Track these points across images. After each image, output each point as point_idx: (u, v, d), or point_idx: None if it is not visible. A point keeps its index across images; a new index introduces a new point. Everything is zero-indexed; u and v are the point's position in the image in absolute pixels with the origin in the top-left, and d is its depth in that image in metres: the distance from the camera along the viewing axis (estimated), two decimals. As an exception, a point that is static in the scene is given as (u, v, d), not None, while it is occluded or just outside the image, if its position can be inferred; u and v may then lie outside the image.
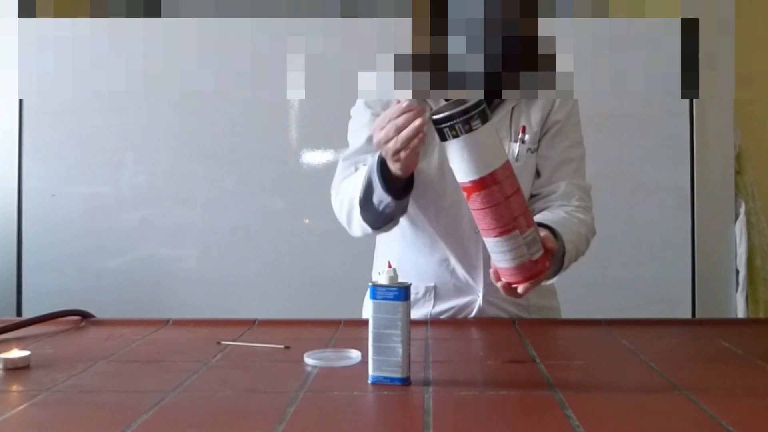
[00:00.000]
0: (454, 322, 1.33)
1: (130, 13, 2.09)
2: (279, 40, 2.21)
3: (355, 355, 1.01)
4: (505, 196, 0.95)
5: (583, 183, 1.40)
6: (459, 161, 0.95)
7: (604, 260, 2.27)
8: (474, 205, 0.97)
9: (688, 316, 2.20)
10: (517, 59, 1.21)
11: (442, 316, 1.36)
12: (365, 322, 1.29)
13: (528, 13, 1.22)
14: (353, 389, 0.87)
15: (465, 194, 0.98)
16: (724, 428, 0.72)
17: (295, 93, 2.18)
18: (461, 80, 1.20)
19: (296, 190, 2.31)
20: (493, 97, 1.30)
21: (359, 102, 1.42)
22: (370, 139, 1.32)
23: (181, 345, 1.14)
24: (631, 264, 2.28)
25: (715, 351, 1.07)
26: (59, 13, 2.07)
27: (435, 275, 1.37)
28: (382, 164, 1.20)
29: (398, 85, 1.27)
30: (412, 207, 1.36)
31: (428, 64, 1.21)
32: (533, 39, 1.23)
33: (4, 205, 2.34)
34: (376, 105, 1.39)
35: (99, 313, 1.34)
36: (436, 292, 1.38)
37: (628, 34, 2.17)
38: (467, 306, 1.36)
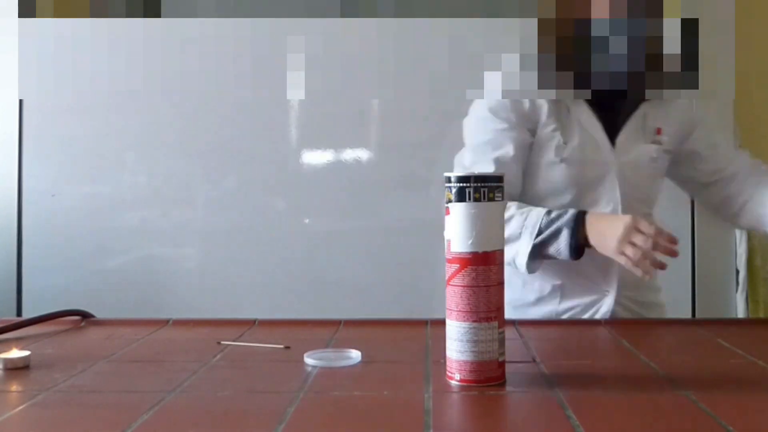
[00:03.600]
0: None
1: (130, 13, 2.09)
2: (279, 40, 2.21)
3: (354, 355, 1.01)
4: (498, 281, 0.88)
5: (744, 154, 1.45)
6: (469, 228, 0.87)
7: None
8: (462, 280, 0.87)
9: (688, 316, 2.20)
10: (657, 60, 1.23)
11: (567, 314, 1.35)
12: (365, 323, 1.30)
13: (657, 12, 1.23)
14: (353, 389, 0.87)
15: (454, 266, 0.87)
16: (724, 428, 0.72)
17: (295, 93, 2.18)
18: (604, 80, 1.21)
19: (296, 190, 2.31)
20: (636, 98, 1.33)
21: (483, 106, 1.36)
22: (500, 160, 1.31)
23: (181, 345, 1.14)
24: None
25: (715, 351, 1.07)
26: (59, 13, 2.07)
27: (563, 273, 1.36)
28: (576, 225, 1.21)
29: (541, 85, 1.27)
30: (549, 203, 1.34)
31: (572, 65, 1.22)
32: (660, 39, 1.24)
33: (4, 205, 2.34)
34: (503, 112, 1.34)
35: (99, 313, 1.34)
36: (562, 290, 1.36)
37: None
38: (594, 304, 1.35)
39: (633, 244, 1.16)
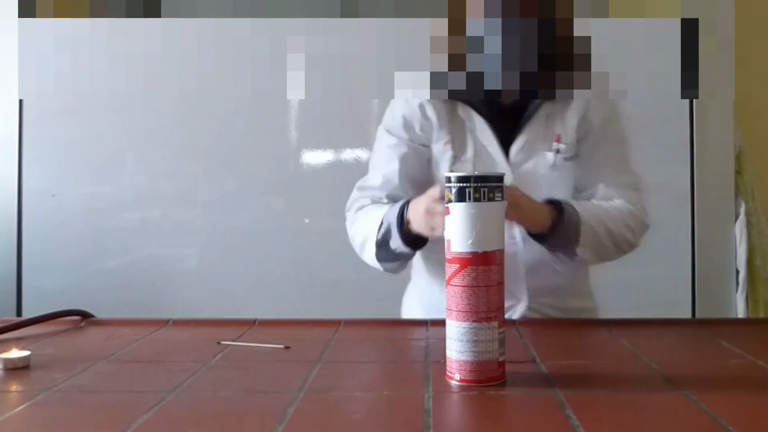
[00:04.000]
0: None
1: (130, 13, 2.09)
2: (279, 40, 2.21)
3: None
4: (498, 281, 0.87)
5: (626, 177, 1.37)
6: (468, 228, 0.86)
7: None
8: (462, 280, 0.86)
9: (688, 316, 2.20)
10: (553, 60, 1.20)
11: None
12: (365, 323, 1.30)
13: (564, 12, 1.21)
14: (353, 389, 0.87)
15: (453, 266, 0.87)
16: (724, 428, 0.72)
17: (295, 93, 2.18)
18: (496, 80, 1.20)
19: (296, 190, 2.31)
20: (528, 98, 1.30)
21: (382, 126, 1.41)
22: (387, 175, 1.35)
23: (181, 345, 1.14)
24: (631, 264, 2.27)
25: (715, 351, 1.07)
26: (59, 13, 2.07)
27: None
28: (402, 215, 1.22)
29: (434, 85, 1.27)
30: None
31: (464, 64, 1.21)
32: (569, 39, 1.22)
33: (4, 205, 2.34)
34: (395, 130, 1.37)
35: (99, 313, 1.34)
36: None
37: (628, 34, 2.17)
38: (508, 309, 1.33)
39: (433, 215, 1.13)
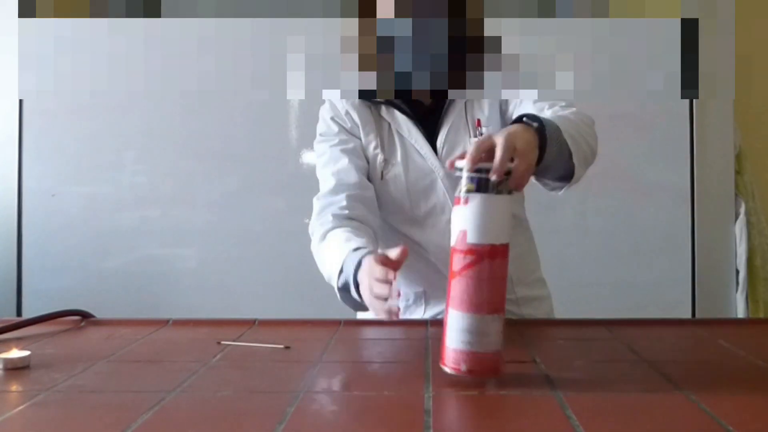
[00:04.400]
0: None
1: (130, 13, 2.09)
2: (279, 40, 2.20)
3: None
4: (503, 275, 0.87)
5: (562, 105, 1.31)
6: (488, 220, 0.85)
7: (604, 260, 2.27)
8: (476, 271, 0.85)
9: (688, 316, 2.20)
10: (463, 58, 1.20)
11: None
12: (365, 323, 1.29)
13: (474, 12, 1.21)
14: (353, 389, 0.87)
15: (468, 257, 0.86)
16: (724, 428, 0.72)
17: (295, 93, 2.18)
18: (407, 80, 1.21)
19: (296, 190, 2.31)
20: (440, 98, 1.32)
21: (317, 138, 1.43)
22: (338, 175, 1.35)
23: (181, 345, 1.14)
24: (631, 264, 2.28)
25: (715, 351, 1.07)
26: (59, 13, 2.07)
27: (424, 280, 1.37)
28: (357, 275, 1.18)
29: (345, 85, 1.28)
30: (395, 217, 1.37)
31: (374, 65, 1.22)
32: (479, 39, 1.22)
33: (4, 205, 2.34)
34: (329, 133, 1.40)
35: (99, 313, 1.34)
36: (426, 297, 1.37)
37: (628, 34, 2.17)
38: None
39: (379, 300, 1.08)
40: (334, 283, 1.27)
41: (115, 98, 2.28)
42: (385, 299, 1.05)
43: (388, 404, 0.82)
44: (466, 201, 0.87)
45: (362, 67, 1.24)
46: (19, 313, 2.30)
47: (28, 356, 0.98)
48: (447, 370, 0.88)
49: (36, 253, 2.33)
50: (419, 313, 1.38)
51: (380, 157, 1.34)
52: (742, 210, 2.25)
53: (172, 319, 1.30)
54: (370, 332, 1.21)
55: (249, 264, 2.30)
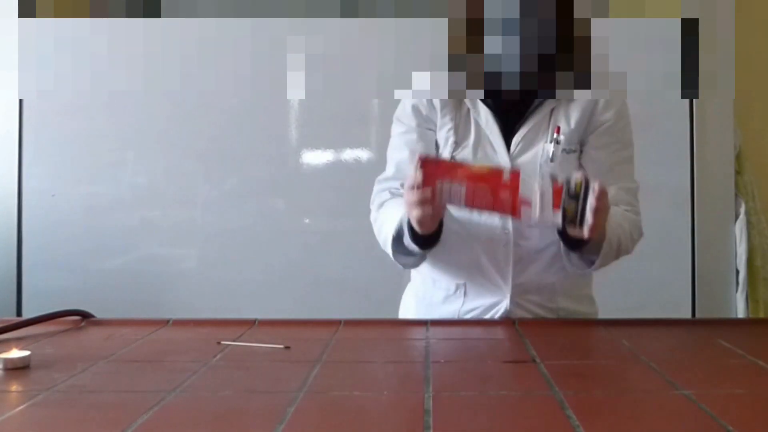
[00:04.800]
0: (455, 322, 1.33)
1: (130, 13, 2.09)
2: (279, 40, 2.21)
3: None
4: None
5: (631, 185, 1.40)
6: None
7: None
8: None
9: (688, 316, 2.20)
10: (553, 59, 1.22)
11: (470, 314, 1.36)
12: (365, 323, 1.30)
13: (564, 13, 1.22)
14: (353, 389, 0.87)
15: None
16: (724, 428, 0.72)
17: (295, 93, 2.18)
18: (497, 80, 1.21)
19: (296, 190, 2.31)
20: (529, 98, 1.32)
21: (394, 117, 1.43)
22: (399, 164, 1.38)
23: (181, 345, 1.14)
24: (631, 264, 2.27)
25: (715, 351, 1.07)
26: (59, 13, 2.07)
27: (465, 273, 1.37)
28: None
29: (434, 85, 1.28)
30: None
31: (464, 64, 1.22)
32: (569, 39, 1.23)
33: (4, 205, 2.34)
34: (404, 118, 1.39)
35: (99, 313, 1.34)
36: (466, 290, 1.37)
37: (628, 34, 2.17)
38: (494, 306, 1.35)
39: (410, 205, 1.18)
40: (390, 238, 1.30)
41: (115, 98, 2.28)
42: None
43: (388, 404, 0.82)
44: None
45: (451, 67, 1.26)
46: (19, 313, 2.30)
47: (28, 356, 0.98)
48: None
49: (36, 253, 2.33)
50: (457, 305, 1.37)
51: (452, 139, 1.34)
52: (742, 210, 2.25)
53: (172, 319, 1.30)
54: (370, 332, 1.21)
55: (249, 264, 2.30)
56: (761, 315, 2.24)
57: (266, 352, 1.06)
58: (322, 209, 2.28)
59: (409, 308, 1.47)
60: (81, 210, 2.33)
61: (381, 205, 1.39)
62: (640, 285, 2.24)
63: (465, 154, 1.32)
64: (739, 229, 2.25)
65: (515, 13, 1.20)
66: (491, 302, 1.35)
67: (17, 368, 0.96)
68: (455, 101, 1.35)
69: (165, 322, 1.28)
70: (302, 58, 2.14)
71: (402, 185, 1.32)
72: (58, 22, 2.19)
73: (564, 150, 1.32)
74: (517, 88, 1.22)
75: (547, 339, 1.14)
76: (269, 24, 2.20)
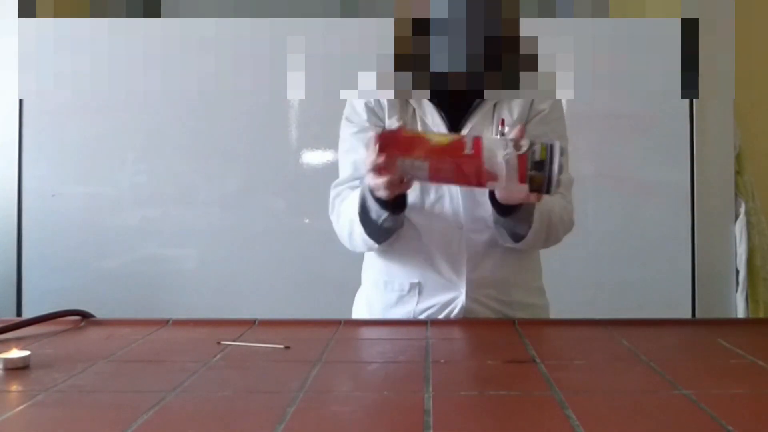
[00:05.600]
0: (455, 322, 1.33)
1: (130, 13, 2.09)
2: (279, 40, 2.21)
3: None
4: None
5: (566, 176, 1.38)
6: None
7: (604, 260, 2.27)
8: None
9: (688, 316, 2.20)
10: (499, 59, 1.23)
11: (425, 313, 1.36)
12: (365, 323, 1.30)
13: (509, 13, 1.23)
14: (353, 389, 0.87)
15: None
16: (724, 428, 0.72)
17: (295, 93, 2.18)
18: (443, 81, 1.23)
19: (296, 190, 2.31)
20: (473, 98, 1.34)
21: (343, 118, 1.44)
22: (355, 163, 1.38)
23: (181, 345, 1.14)
24: (631, 264, 2.28)
25: (715, 351, 1.07)
26: (59, 13, 2.07)
27: (419, 272, 1.37)
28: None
29: (380, 85, 1.29)
30: None
31: (410, 64, 1.24)
32: (515, 39, 1.25)
33: (4, 205, 2.34)
34: (354, 117, 1.40)
35: (99, 313, 1.34)
36: (420, 289, 1.38)
37: (628, 34, 2.17)
38: (450, 303, 1.35)
39: (373, 171, 1.15)
40: (357, 221, 1.29)
41: (115, 98, 2.28)
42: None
43: (388, 404, 0.82)
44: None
45: (398, 67, 1.26)
46: (19, 313, 2.30)
47: (28, 356, 0.98)
48: None
49: (36, 253, 2.33)
50: (412, 305, 1.38)
51: None
52: (742, 210, 2.25)
53: (172, 319, 1.30)
54: (370, 332, 1.21)
55: (249, 264, 2.30)
56: (761, 315, 2.24)
57: (266, 352, 1.06)
58: (322, 209, 2.27)
59: (361, 315, 1.46)
60: (81, 210, 2.33)
61: (341, 202, 1.39)
62: (640, 285, 2.25)
63: None
64: (739, 229, 2.25)
65: (461, 13, 1.22)
66: (447, 299, 1.35)
67: (17, 368, 0.96)
68: (401, 101, 1.36)
69: (165, 322, 1.28)
70: (302, 58, 2.14)
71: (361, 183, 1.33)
72: (58, 22, 2.19)
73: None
74: (464, 88, 1.24)
75: (547, 339, 1.14)
76: (269, 24, 2.20)
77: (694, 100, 2.24)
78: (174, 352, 1.09)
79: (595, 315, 1.28)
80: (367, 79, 1.37)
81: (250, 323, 1.28)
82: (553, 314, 1.47)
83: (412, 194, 1.34)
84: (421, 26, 1.23)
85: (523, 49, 1.24)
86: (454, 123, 1.35)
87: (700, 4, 2.15)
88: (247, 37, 2.23)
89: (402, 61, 1.26)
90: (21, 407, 0.81)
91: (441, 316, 1.35)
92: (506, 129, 1.32)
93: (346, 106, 1.43)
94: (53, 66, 2.26)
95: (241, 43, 2.23)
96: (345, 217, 1.36)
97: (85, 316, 1.32)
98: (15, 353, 0.98)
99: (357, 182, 1.37)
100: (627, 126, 2.28)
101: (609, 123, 2.28)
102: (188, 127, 2.32)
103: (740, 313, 2.24)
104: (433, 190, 1.35)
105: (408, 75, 1.25)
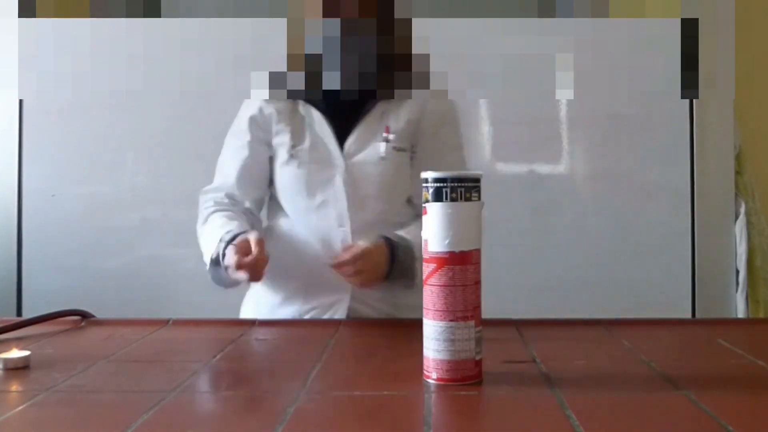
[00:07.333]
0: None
1: (130, 13, 2.09)
2: (279, 40, 2.20)
3: None
4: (475, 281, 0.87)
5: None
6: (446, 228, 0.86)
7: (604, 260, 2.27)
8: (439, 280, 0.87)
9: (688, 316, 2.20)
10: (391, 60, 1.28)
11: (310, 314, 1.39)
12: (365, 323, 1.29)
13: (390, 16, 1.28)
14: (353, 389, 0.87)
15: (431, 266, 0.87)
16: (724, 428, 0.72)
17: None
18: (335, 81, 1.25)
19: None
20: (362, 101, 1.37)
21: (231, 129, 1.49)
22: (226, 175, 1.45)
23: (181, 345, 1.14)
24: (631, 264, 2.28)
25: (715, 351, 1.07)
26: (59, 13, 2.07)
27: (305, 273, 1.40)
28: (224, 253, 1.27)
29: (273, 85, 1.34)
30: (291, 204, 1.42)
31: (303, 64, 1.26)
32: (408, 39, 1.30)
33: (4, 205, 2.34)
34: (239, 132, 1.45)
35: (99, 313, 1.34)
36: (305, 289, 1.40)
37: (628, 34, 2.17)
38: (335, 303, 1.37)
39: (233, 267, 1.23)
40: (208, 258, 1.35)
41: (115, 98, 2.28)
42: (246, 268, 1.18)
43: (388, 404, 0.82)
44: (426, 211, 0.88)
45: (290, 67, 1.31)
46: (19, 313, 2.30)
47: (28, 356, 0.98)
48: (425, 379, 0.89)
49: (36, 253, 2.33)
50: (297, 305, 1.40)
51: (289, 144, 1.39)
52: (742, 210, 2.25)
53: (172, 319, 1.30)
54: (370, 332, 1.21)
55: (249, 264, 2.30)
56: (761, 315, 2.24)
57: (266, 351, 1.06)
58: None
59: (248, 315, 1.49)
60: (81, 210, 2.33)
61: (206, 220, 1.42)
62: (640, 285, 2.25)
63: (301, 158, 1.37)
64: (739, 229, 2.25)
65: (355, 14, 1.25)
66: (331, 300, 1.38)
67: (17, 368, 0.96)
68: (290, 110, 1.40)
69: (165, 322, 1.28)
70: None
71: (226, 195, 1.42)
72: (58, 22, 2.18)
73: (395, 148, 1.38)
74: (356, 88, 1.28)
75: (547, 339, 1.14)
76: (269, 24, 2.19)
77: (694, 100, 2.24)
78: (174, 352, 1.09)
79: (595, 315, 1.28)
80: (260, 79, 1.40)
81: (250, 323, 1.28)
82: (553, 314, 1.47)
83: (298, 198, 1.39)
84: (311, 28, 1.28)
85: (399, 51, 1.29)
86: (343, 130, 1.38)
87: (700, 4, 2.15)
88: (247, 37, 2.23)
89: (294, 61, 1.30)
90: (21, 407, 0.81)
91: (325, 316, 1.38)
92: (391, 136, 1.37)
93: (234, 121, 1.48)
94: (53, 66, 2.25)
95: (242, 43, 2.23)
96: (205, 245, 1.39)
97: (85, 316, 1.32)
98: (15, 353, 0.98)
99: (220, 195, 1.43)
100: (627, 126, 2.28)
101: (609, 123, 2.28)
102: (188, 127, 2.32)
103: (740, 313, 2.24)
104: (319, 193, 1.38)
105: (300, 75, 1.29)
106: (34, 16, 2.08)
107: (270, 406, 0.81)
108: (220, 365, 0.99)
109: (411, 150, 1.40)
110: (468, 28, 2.09)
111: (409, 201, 1.43)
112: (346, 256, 1.22)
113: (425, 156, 1.40)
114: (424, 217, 0.89)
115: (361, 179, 1.36)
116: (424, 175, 0.88)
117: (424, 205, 0.89)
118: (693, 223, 2.26)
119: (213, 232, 1.35)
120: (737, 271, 2.25)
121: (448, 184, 0.86)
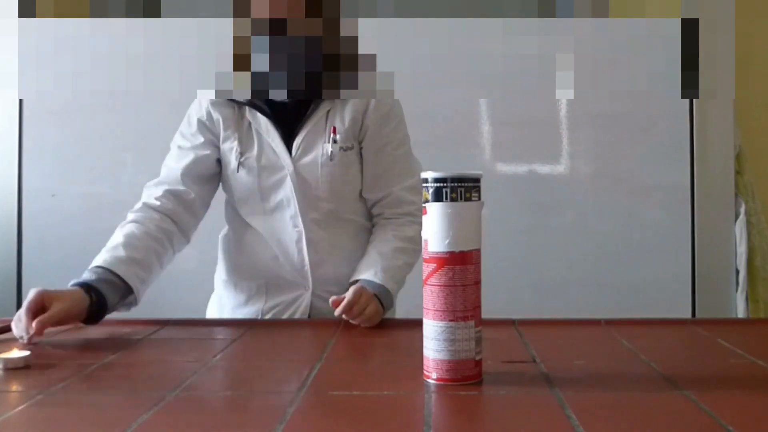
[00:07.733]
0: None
1: (130, 13, 2.09)
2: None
3: None
4: (475, 281, 0.87)
5: (412, 180, 1.43)
6: (446, 228, 0.86)
7: (604, 260, 2.27)
8: (439, 280, 0.86)
9: (688, 316, 2.20)
10: (337, 59, 1.29)
11: (272, 311, 1.41)
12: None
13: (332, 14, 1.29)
14: (353, 389, 0.87)
15: (430, 266, 0.87)
16: (724, 428, 0.72)
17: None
18: (280, 81, 1.26)
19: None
20: (306, 103, 1.39)
21: (180, 129, 1.50)
22: (171, 171, 1.45)
23: (181, 345, 1.14)
24: (631, 264, 2.28)
25: (715, 351, 1.07)
26: (59, 13, 2.07)
27: (265, 273, 1.42)
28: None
29: (219, 85, 1.35)
30: (245, 208, 1.44)
31: (249, 65, 1.28)
32: (335, 40, 1.30)
33: (4, 205, 2.34)
34: (187, 134, 1.46)
35: (99, 313, 1.34)
36: (267, 288, 1.42)
37: (628, 34, 2.17)
38: (296, 300, 1.40)
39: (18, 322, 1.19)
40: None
41: (115, 98, 2.28)
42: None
43: (388, 404, 0.82)
44: (426, 211, 0.88)
45: (236, 67, 1.31)
46: (19, 313, 2.30)
47: (28, 356, 0.98)
48: (424, 379, 0.89)
49: (36, 253, 2.33)
50: (260, 304, 1.43)
51: (237, 150, 1.40)
52: (742, 210, 2.25)
53: (172, 319, 1.30)
54: (370, 332, 1.21)
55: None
56: (761, 315, 2.24)
57: (266, 351, 1.06)
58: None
59: (212, 315, 1.52)
60: (81, 210, 2.33)
61: (122, 226, 1.46)
62: (640, 285, 2.25)
63: (250, 164, 1.38)
64: (739, 229, 2.25)
65: (301, 14, 1.26)
66: (292, 297, 1.41)
67: (17, 368, 0.96)
68: (236, 116, 1.41)
69: (165, 322, 1.29)
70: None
71: (168, 192, 1.42)
72: (58, 22, 2.19)
73: (342, 148, 1.39)
74: (302, 88, 1.28)
75: (547, 339, 1.14)
76: (269, 24, 2.19)
77: (694, 100, 2.24)
78: (174, 352, 1.09)
79: (595, 315, 1.28)
80: (208, 80, 1.42)
81: (250, 323, 1.28)
82: (553, 314, 1.47)
83: (252, 203, 1.41)
84: (260, 26, 1.27)
85: (344, 50, 1.31)
86: (289, 132, 1.39)
87: (700, 4, 2.15)
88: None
89: (240, 61, 1.30)
90: (21, 407, 0.81)
91: (287, 314, 1.40)
92: (338, 136, 1.38)
93: (184, 121, 1.49)
94: (53, 66, 2.25)
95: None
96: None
97: (85, 316, 1.31)
98: (15, 353, 0.98)
99: (160, 190, 1.44)
100: (627, 126, 2.28)
101: (609, 123, 2.28)
102: (188, 127, 2.32)
103: (740, 313, 2.24)
104: (271, 197, 1.39)
105: (246, 75, 1.30)
106: (34, 16, 2.09)
107: (270, 406, 0.81)
108: (219, 365, 0.99)
109: (359, 146, 1.42)
110: (468, 28, 2.09)
111: (360, 196, 1.44)
112: (343, 308, 1.21)
113: (371, 152, 1.41)
114: (424, 217, 0.89)
115: (311, 180, 1.37)
116: (424, 175, 0.88)
117: (424, 205, 0.89)
118: (693, 223, 2.26)
119: (113, 241, 1.42)
120: (737, 271, 2.25)
121: (448, 184, 0.86)
